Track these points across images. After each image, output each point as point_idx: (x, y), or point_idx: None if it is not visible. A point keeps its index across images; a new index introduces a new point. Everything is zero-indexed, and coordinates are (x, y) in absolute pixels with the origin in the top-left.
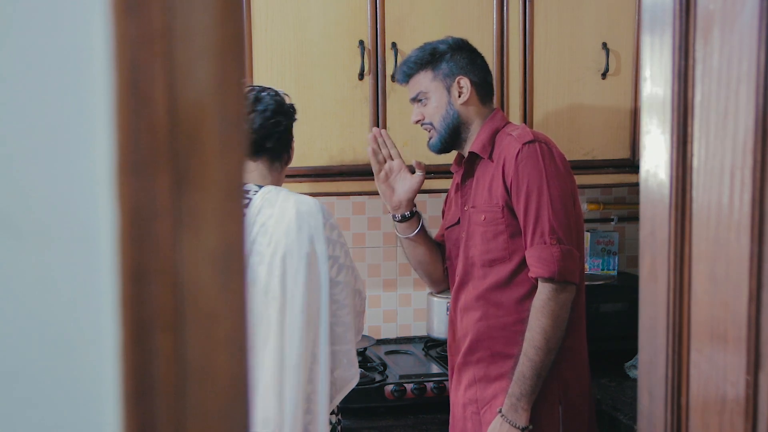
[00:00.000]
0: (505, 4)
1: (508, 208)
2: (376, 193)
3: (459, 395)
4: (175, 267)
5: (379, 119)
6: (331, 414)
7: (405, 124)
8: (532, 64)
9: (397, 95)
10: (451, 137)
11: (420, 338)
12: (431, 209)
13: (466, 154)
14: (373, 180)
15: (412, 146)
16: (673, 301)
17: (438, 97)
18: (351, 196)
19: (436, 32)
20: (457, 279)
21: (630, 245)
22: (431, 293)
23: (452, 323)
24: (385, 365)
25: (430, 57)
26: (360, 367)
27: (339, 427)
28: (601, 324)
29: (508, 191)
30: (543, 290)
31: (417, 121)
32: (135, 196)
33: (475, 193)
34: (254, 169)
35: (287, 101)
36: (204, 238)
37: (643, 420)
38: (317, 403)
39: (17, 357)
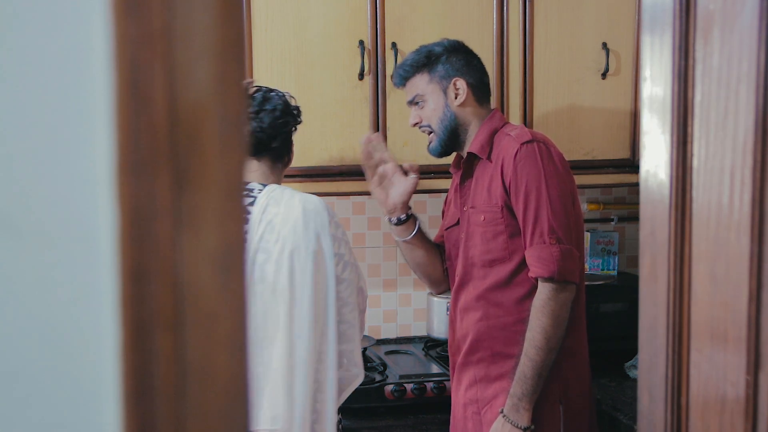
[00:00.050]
0: (505, 4)
1: (508, 208)
2: None
3: (459, 395)
4: (175, 267)
5: (379, 119)
6: None
7: (405, 124)
8: (532, 64)
9: (397, 95)
10: (450, 139)
11: (420, 338)
12: (431, 209)
13: (464, 155)
14: None
15: (412, 147)
16: (673, 301)
17: (435, 100)
18: (351, 196)
19: (436, 32)
20: (456, 279)
21: (630, 245)
22: (431, 293)
23: (452, 323)
24: (385, 365)
25: (425, 59)
26: None
27: (339, 426)
28: (601, 324)
29: (507, 191)
30: (543, 290)
31: (415, 124)
32: (135, 196)
33: (474, 193)
34: (257, 169)
35: (293, 103)
36: (204, 238)
37: (643, 420)
38: (324, 402)
39: (17, 357)
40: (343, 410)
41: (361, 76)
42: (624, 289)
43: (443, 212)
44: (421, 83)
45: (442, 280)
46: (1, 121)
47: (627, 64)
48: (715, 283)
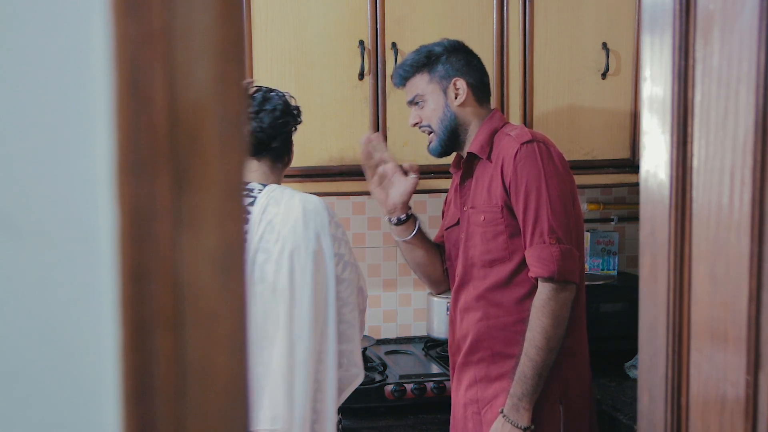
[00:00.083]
0: (505, 4)
1: (508, 209)
2: None
3: (459, 395)
4: (175, 267)
5: (379, 119)
6: None
7: (405, 124)
8: (532, 64)
9: (397, 95)
10: (450, 139)
11: (420, 338)
12: (431, 209)
13: (464, 155)
14: None
15: (412, 147)
16: (673, 301)
17: (435, 100)
18: (351, 196)
19: (436, 32)
20: (457, 279)
21: (630, 245)
22: (431, 293)
23: (452, 323)
24: (385, 365)
25: (425, 59)
26: None
27: (339, 426)
28: (601, 324)
29: (507, 191)
30: (543, 290)
31: (415, 124)
32: (135, 196)
33: (474, 193)
34: (257, 169)
35: (293, 103)
36: (204, 238)
37: (643, 420)
38: (324, 402)
39: (17, 357)
40: (343, 410)
41: (361, 76)
42: (624, 289)
43: (443, 212)
44: (421, 83)
45: (442, 280)
46: (1, 121)
47: (627, 64)
48: (715, 283)
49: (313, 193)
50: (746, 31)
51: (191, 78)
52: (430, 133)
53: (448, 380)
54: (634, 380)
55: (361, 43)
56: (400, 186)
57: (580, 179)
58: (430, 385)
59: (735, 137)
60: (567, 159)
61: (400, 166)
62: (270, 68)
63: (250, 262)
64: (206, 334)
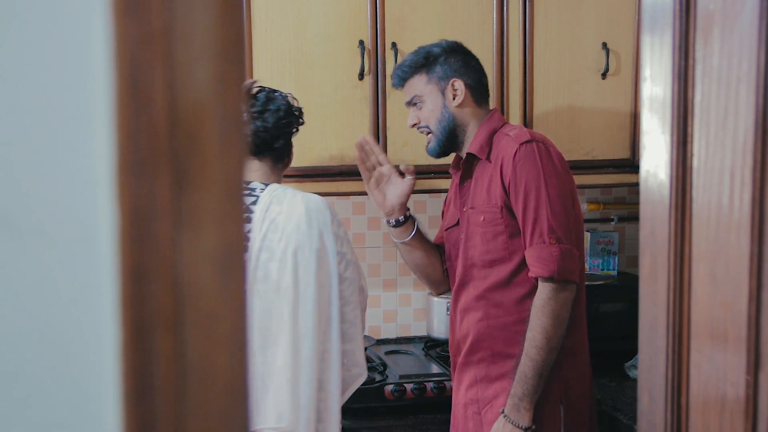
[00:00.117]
0: (505, 4)
1: (507, 209)
2: None
3: (460, 395)
4: (175, 267)
5: (379, 119)
6: None
7: (405, 124)
8: (532, 64)
9: (397, 95)
10: (448, 140)
11: (420, 338)
12: (431, 209)
13: (463, 156)
14: None
15: (413, 147)
16: (673, 301)
17: (433, 100)
18: (351, 196)
19: (436, 32)
20: (457, 280)
21: (630, 245)
22: (431, 293)
23: (453, 324)
24: (385, 365)
25: (424, 60)
26: None
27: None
28: (601, 324)
29: (506, 191)
30: (543, 290)
31: (413, 125)
32: (135, 196)
33: (473, 194)
34: (258, 168)
35: (295, 104)
36: (204, 238)
37: (643, 420)
38: (327, 401)
39: (17, 357)
40: (343, 410)
41: (361, 76)
42: (624, 289)
43: (443, 213)
44: (419, 84)
45: (442, 281)
46: (1, 121)
47: (627, 64)
48: (715, 283)
49: (313, 193)
50: (746, 31)
51: (191, 78)
52: (429, 133)
53: (448, 380)
54: (634, 380)
55: (361, 43)
56: (397, 188)
57: (580, 179)
58: (430, 385)
59: (735, 137)
60: (567, 159)
61: (397, 168)
62: (270, 68)
63: (254, 260)
64: (206, 334)
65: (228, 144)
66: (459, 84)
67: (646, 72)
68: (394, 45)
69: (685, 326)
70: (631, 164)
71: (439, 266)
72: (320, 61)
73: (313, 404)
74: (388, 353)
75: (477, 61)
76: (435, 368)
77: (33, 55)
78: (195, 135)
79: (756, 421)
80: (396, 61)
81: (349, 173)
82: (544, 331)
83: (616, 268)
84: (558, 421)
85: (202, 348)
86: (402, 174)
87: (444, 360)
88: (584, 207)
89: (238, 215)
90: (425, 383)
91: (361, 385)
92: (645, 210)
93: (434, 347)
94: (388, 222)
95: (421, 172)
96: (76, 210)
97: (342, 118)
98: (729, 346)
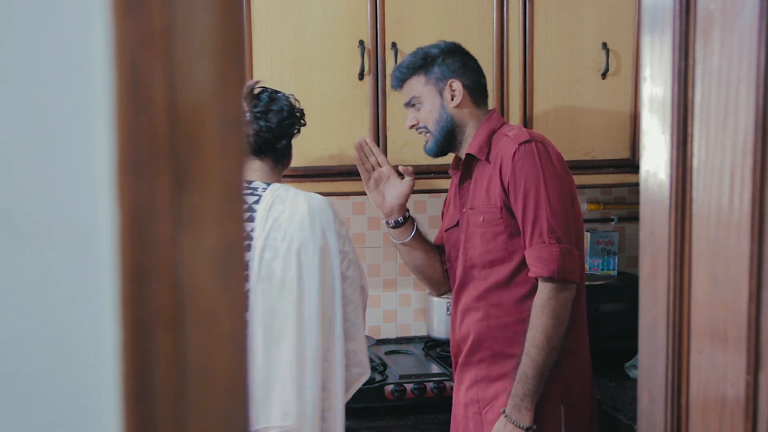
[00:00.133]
0: (505, 4)
1: (507, 209)
2: None
3: (460, 395)
4: (175, 267)
5: (379, 119)
6: None
7: (405, 124)
8: (532, 64)
9: (397, 95)
10: (446, 140)
11: (420, 338)
12: (431, 209)
13: (462, 157)
14: None
15: (413, 147)
16: (673, 301)
17: (431, 101)
18: (351, 196)
19: (436, 32)
20: (457, 280)
21: (630, 245)
22: (430, 293)
23: (453, 324)
24: (385, 365)
25: (422, 61)
26: None
27: None
28: (601, 324)
29: (505, 192)
30: (543, 290)
31: (412, 126)
32: (135, 196)
33: (473, 194)
34: (259, 168)
35: (297, 105)
36: (204, 238)
37: (643, 420)
38: (330, 399)
39: (17, 357)
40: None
41: (361, 76)
42: (624, 289)
43: (443, 214)
44: (417, 85)
45: (442, 282)
46: (1, 121)
47: (627, 64)
48: (715, 283)
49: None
50: (746, 31)
51: (191, 78)
52: (427, 133)
53: (448, 380)
54: (634, 380)
55: (361, 43)
56: (396, 189)
57: (580, 179)
58: (430, 385)
59: (735, 137)
60: (567, 159)
61: (396, 169)
62: (270, 68)
63: (257, 259)
64: (206, 334)
65: (228, 144)
66: (457, 85)
67: (646, 72)
68: (394, 45)
69: (685, 326)
70: (631, 164)
71: (439, 267)
72: (320, 61)
73: (318, 403)
74: (388, 353)
75: (475, 61)
76: (435, 368)
77: (33, 55)
78: (195, 135)
79: (756, 421)
80: (396, 61)
81: (349, 173)
82: (544, 330)
83: (616, 268)
84: (558, 421)
85: (202, 348)
86: (401, 175)
87: (444, 360)
88: (584, 207)
89: (238, 215)
90: (425, 383)
91: (362, 385)
92: (645, 210)
93: (434, 347)
94: (388, 223)
95: (421, 172)
96: (76, 210)
97: (342, 118)
98: (729, 346)
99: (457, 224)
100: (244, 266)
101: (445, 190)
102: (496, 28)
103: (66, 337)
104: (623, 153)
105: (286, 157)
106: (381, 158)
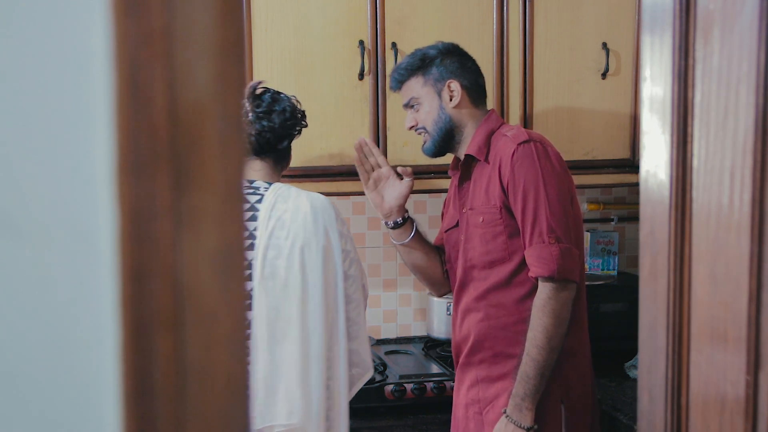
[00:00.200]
0: (505, 4)
1: (506, 209)
2: None
3: (461, 396)
4: (175, 267)
5: (379, 119)
6: None
7: (405, 124)
8: (532, 64)
9: (397, 96)
10: (445, 141)
11: (420, 338)
12: (431, 210)
13: (461, 157)
14: None
15: (413, 147)
16: (673, 301)
17: (429, 102)
18: (351, 196)
19: (436, 32)
20: (457, 281)
21: (630, 245)
22: (430, 294)
23: (454, 325)
24: (385, 365)
25: (420, 63)
26: None
27: None
28: (601, 324)
29: (505, 192)
30: (543, 289)
31: (411, 127)
32: (135, 196)
33: (472, 195)
34: (260, 168)
35: (299, 107)
36: (204, 238)
37: (643, 420)
38: (334, 399)
39: (17, 357)
40: None
41: (361, 76)
42: (624, 289)
43: (442, 214)
44: (415, 86)
45: (442, 283)
46: (1, 121)
47: (627, 64)
48: (715, 283)
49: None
50: (746, 31)
51: (191, 78)
52: (425, 134)
53: (448, 380)
54: (634, 380)
55: (361, 43)
56: (396, 189)
57: (580, 179)
58: (430, 385)
59: (735, 137)
60: (567, 159)
61: (395, 170)
62: (270, 68)
63: (260, 258)
64: (206, 334)
65: (228, 144)
66: (455, 85)
67: (646, 72)
68: (394, 45)
69: (685, 326)
70: (631, 164)
71: (439, 268)
72: (320, 61)
73: (322, 401)
74: (388, 353)
75: (473, 62)
76: (435, 368)
77: (33, 54)
78: (195, 135)
79: (756, 421)
80: (396, 61)
81: (349, 173)
82: (545, 330)
83: (616, 268)
84: (559, 420)
85: (202, 348)
86: (400, 176)
87: (444, 360)
88: (584, 207)
89: (238, 215)
90: (425, 383)
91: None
92: (645, 210)
93: (434, 347)
94: (387, 224)
95: (421, 172)
96: (76, 210)
97: (342, 118)
98: (729, 346)
99: (457, 225)
100: (244, 266)
101: (445, 191)
102: (496, 28)
103: (66, 337)
104: (623, 153)
105: (286, 158)
106: (380, 159)
